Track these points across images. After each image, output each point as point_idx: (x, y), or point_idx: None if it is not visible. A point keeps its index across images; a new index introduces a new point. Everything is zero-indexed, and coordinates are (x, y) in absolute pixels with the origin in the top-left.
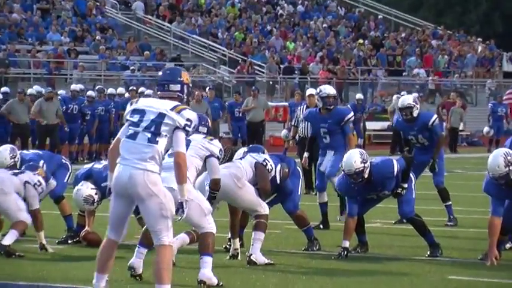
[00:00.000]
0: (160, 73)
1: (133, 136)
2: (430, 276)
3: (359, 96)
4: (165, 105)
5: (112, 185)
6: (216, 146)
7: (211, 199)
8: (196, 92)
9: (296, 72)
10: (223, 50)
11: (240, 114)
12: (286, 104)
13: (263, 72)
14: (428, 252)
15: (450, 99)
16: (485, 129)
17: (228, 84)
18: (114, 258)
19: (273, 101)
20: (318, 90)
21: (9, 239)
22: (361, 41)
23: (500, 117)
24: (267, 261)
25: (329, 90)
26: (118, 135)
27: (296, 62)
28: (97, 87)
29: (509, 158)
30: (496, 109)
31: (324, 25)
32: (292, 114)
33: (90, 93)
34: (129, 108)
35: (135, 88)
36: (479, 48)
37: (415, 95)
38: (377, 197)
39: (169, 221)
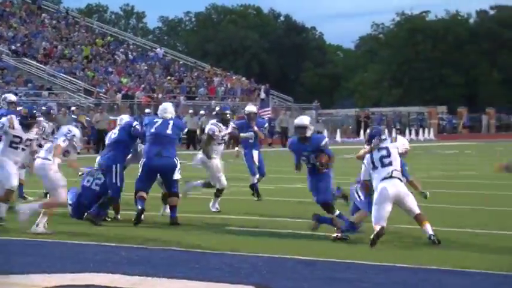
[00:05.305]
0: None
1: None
2: None
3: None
4: None
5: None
6: None
7: None
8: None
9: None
10: (80, 83)
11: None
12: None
13: (106, 98)
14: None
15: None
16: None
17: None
18: None
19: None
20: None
21: None
22: (169, 77)
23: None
24: None
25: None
26: None
27: (127, 91)
28: None
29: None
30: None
31: (146, 67)
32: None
33: None
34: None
35: None
36: (245, 83)
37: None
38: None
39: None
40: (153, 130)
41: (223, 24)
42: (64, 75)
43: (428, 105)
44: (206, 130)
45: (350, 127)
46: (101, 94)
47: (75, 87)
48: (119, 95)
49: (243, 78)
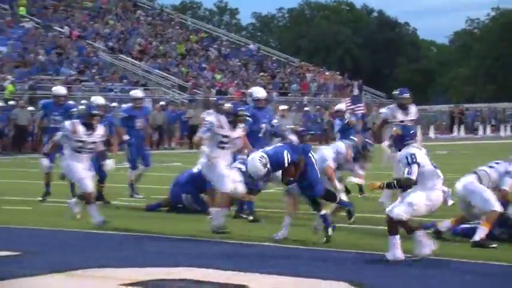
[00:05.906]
0: None
1: None
2: None
3: None
4: None
5: None
6: None
7: None
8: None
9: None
10: (174, 79)
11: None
12: None
13: (200, 93)
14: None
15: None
16: None
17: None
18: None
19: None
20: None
21: None
22: (262, 73)
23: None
24: None
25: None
26: None
27: (220, 87)
28: None
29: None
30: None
31: (239, 63)
32: None
33: None
34: None
35: None
36: (338, 78)
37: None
38: None
39: None
40: None
41: (316, 20)
42: (158, 71)
43: None
44: (383, 115)
45: (443, 123)
46: (194, 90)
47: (170, 83)
48: (213, 91)
49: (337, 73)
